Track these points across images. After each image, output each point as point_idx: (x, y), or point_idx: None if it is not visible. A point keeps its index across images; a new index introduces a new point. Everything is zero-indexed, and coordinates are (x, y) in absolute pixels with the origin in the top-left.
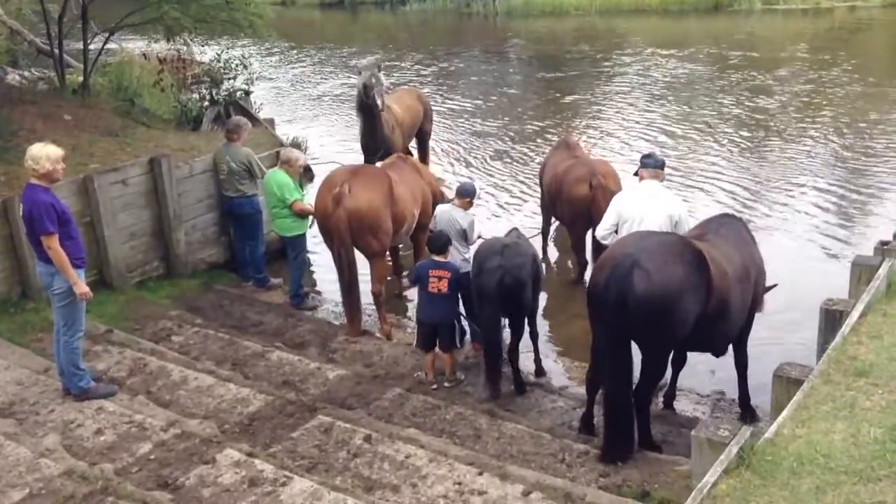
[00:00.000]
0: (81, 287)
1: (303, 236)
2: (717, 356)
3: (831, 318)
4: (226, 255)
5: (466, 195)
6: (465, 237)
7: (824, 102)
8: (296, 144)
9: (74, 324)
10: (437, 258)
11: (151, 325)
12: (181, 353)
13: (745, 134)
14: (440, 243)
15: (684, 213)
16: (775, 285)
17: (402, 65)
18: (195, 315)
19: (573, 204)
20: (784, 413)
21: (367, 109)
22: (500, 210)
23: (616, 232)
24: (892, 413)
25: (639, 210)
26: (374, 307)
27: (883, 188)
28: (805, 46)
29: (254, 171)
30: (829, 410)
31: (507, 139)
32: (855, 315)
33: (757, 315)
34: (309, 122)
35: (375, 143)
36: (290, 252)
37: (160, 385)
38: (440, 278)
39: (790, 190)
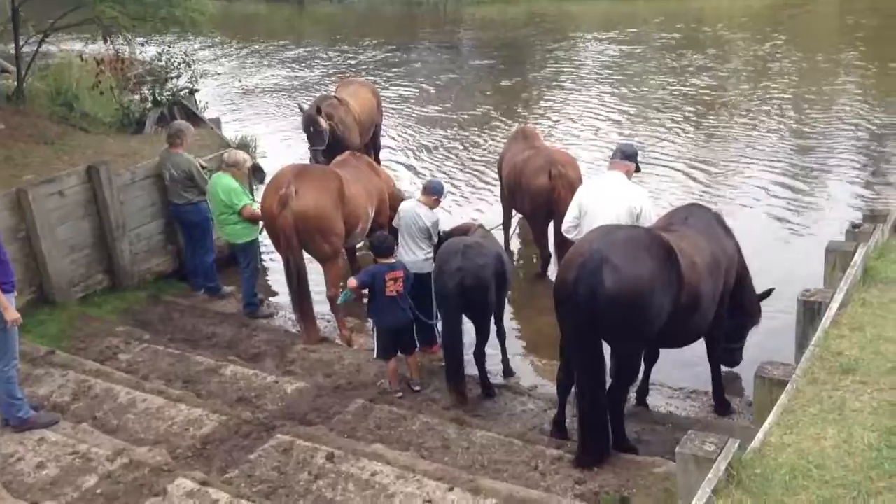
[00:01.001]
0: (11, 313)
1: (254, 243)
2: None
3: (810, 310)
4: (174, 263)
5: (434, 193)
6: (428, 235)
7: (772, 78)
8: (243, 144)
9: (7, 352)
10: (385, 261)
11: (97, 343)
12: (129, 372)
13: (697, 113)
14: (386, 245)
15: (647, 206)
16: (772, 290)
17: (351, 55)
18: (143, 330)
19: (533, 195)
20: (770, 418)
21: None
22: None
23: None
24: (884, 414)
25: (599, 202)
26: (332, 313)
27: (832, 163)
28: (751, 22)
29: (196, 179)
30: (817, 414)
31: (455, 126)
32: (834, 306)
33: None
34: (258, 118)
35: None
36: (242, 260)
37: (106, 409)
38: (395, 280)
39: (746, 169)
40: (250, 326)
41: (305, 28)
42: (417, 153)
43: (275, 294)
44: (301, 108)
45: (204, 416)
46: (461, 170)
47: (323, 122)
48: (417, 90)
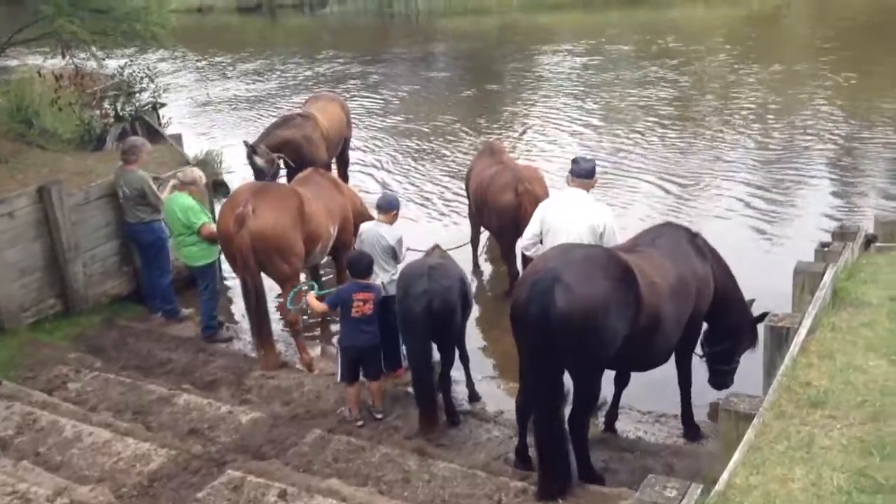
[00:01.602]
0: None
1: (213, 264)
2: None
3: (777, 336)
4: (131, 286)
5: (391, 209)
6: (393, 255)
7: (740, 89)
8: (203, 161)
9: None
10: (360, 281)
11: (46, 371)
12: (77, 402)
13: (665, 124)
14: (364, 265)
15: (610, 224)
16: (766, 314)
17: (321, 67)
18: (96, 356)
19: (499, 212)
20: (735, 456)
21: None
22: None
23: (541, 242)
24: (854, 453)
25: (560, 220)
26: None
27: (801, 174)
28: (722, 36)
29: (148, 197)
30: (784, 452)
31: (419, 138)
32: (803, 332)
33: None
34: (227, 132)
35: None
36: (201, 282)
37: (50, 444)
38: (365, 301)
39: (715, 183)
40: (207, 351)
41: (278, 39)
42: (382, 167)
43: (235, 317)
44: (245, 144)
45: (152, 451)
46: (425, 184)
47: (259, 161)
48: (383, 101)
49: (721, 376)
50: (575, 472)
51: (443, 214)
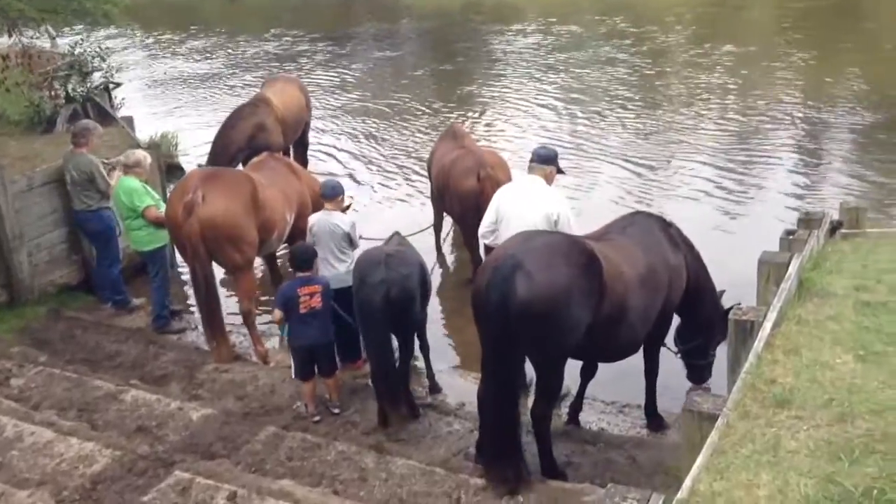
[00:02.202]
0: None
1: (163, 249)
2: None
3: (742, 330)
4: (80, 275)
5: (336, 195)
6: (350, 242)
7: (708, 71)
8: (155, 145)
9: None
10: (303, 274)
11: None
12: (19, 400)
13: (632, 107)
14: (306, 257)
15: (564, 212)
16: (737, 305)
17: (282, 46)
18: (41, 350)
19: (461, 198)
20: (699, 460)
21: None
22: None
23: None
24: (822, 457)
25: (514, 208)
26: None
27: (762, 157)
28: (693, 16)
29: (97, 182)
30: (749, 455)
31: (377, 118)
32: (768, 326)
33: None
34: (185, 114)
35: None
36: (151, 268)
37: None
38: (311, 295)
39: (675, 165)
40: (158, 343)
41: (238, 18)
42: (340, 149)
43: (193, 306)
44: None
45: (96, 452)
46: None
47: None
48: (339, 80)
49: (698, 371)
50: (530, 467)
51: (401, 200)
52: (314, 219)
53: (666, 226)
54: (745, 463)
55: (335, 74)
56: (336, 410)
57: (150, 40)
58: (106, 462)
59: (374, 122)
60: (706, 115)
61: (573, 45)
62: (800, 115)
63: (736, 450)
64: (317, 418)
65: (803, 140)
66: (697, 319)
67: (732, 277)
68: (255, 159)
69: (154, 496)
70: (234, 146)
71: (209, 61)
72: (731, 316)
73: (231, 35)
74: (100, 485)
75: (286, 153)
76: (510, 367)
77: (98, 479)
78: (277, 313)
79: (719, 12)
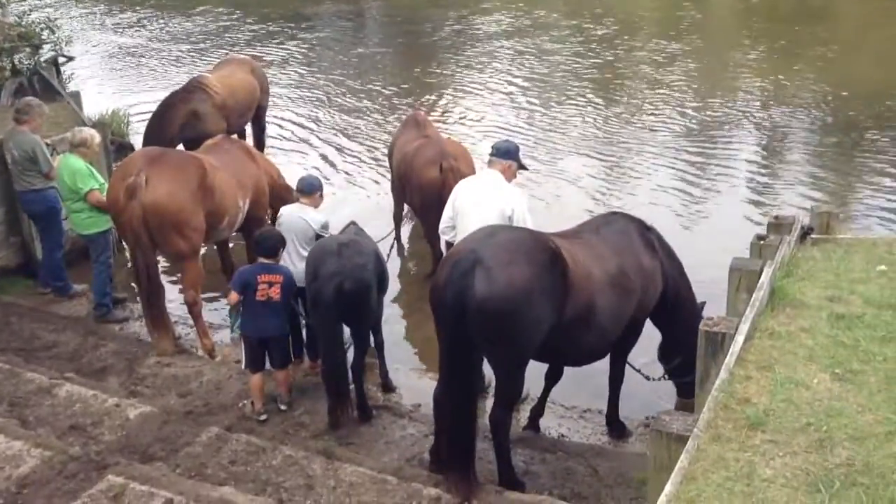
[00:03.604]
0: None
1: (106, 234)
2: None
3: (712, 343)
4: (18, 258)
5: (313, 191)
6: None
7: (674, 68)
8: (104, 123)
9: None
10: (266, 261)
11: None
12: None
13: (600, 102)
14: (271, 243)
15: (520, 209)
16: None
17: (241, 29)
18: None
19: (423, 189)
20: (667, 488)
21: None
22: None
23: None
24: (799, 488)
25: (470, 203)
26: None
27: (728, 156)
28: (661, 10)
29: (39, 162)
30: (721, 483)
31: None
32: (740, 339)
33: None
34: (140, 91)
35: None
36: (93, 253)
37: None
38: (271, 284)
39: (646, 162)
40: (98, 334)
41: None
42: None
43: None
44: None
45: (24, 452)
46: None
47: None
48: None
49: (689, 387)
50: (487, 475)
51: (361, 187)
52: (287, 211)
53: (644, 229)
54: (718, 492)
55: (285, 53)
56: (283, 407)
57: (141, 18)
58: (34, 463)
59: (329, 109)
60: (676, 112)
61: (554, 39)
62: (759, 115)
63: (707, 476)
64: (263, 417)
65: (762, 140)
66: (677, 332)
67: (696, 281)
68: (208, 141)
69: (84, 502)
70: (165, 134)
71: (166, 37)
72: (700, 327)
73: (183, 9)
74: (26, 488)
75: (242, 136)
76: (468, 367)
77: (25, 482)
78: (234, 296)
79: (687, 7)
